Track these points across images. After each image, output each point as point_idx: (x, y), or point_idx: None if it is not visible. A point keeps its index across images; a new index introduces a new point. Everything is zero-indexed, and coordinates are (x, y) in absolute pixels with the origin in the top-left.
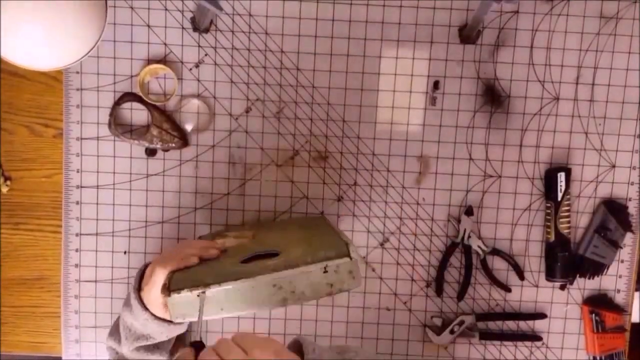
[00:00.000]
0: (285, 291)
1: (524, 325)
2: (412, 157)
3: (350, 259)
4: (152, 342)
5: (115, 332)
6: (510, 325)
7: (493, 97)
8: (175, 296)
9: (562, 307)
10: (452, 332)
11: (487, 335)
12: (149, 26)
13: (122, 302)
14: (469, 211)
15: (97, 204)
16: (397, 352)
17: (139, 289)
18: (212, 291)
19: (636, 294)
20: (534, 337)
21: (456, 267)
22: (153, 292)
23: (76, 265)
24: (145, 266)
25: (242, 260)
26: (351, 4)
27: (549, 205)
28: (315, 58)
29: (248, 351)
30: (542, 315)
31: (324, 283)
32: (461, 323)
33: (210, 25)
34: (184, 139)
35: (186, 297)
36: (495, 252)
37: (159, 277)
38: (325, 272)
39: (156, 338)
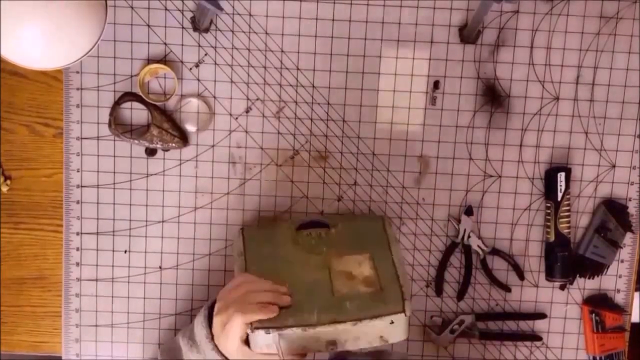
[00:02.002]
0: (340, 340)
1: (524, 325)
2: (412, 157)
3: (405, 315)
4: None
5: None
6: (510, 325)
7: (493, 97)
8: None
9: (562, 307)
10: (452, 331)
11: (487, 335)
12: (149, 26)
13: (183, 334)
14: (469, 211)
15: (98, 203)
16: (397, 352)
17: (212, 335)
18: (289, 332)
19: (636, 294)
20: (534, 337)
21: (456, 267)
22: (230, 343)
23: (77, 264)
24: (212, 305)
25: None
26: (351, 4)
27: (549, 205)
28: (315, 58)
29: None
30: (542, 315)
31: (377, 335)
32: (461, 323)
33: (210, 25)
34: (184, 139)
35: (266, 339)
36: (495, 252)
37: (238, 329)
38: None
39: None
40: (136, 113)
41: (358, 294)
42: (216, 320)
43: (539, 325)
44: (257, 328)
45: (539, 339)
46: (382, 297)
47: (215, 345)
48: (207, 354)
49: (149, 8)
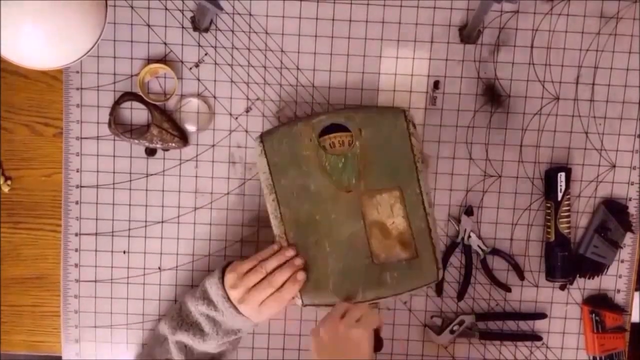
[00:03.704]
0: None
1: (524, 325)
2: None
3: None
4: (239, 337)
5: (172, 320)
6: (510, 325)
7: (493, 97)
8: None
9: (562, 307)
10: (452, 332)
11: (487, 335)
12: (149, 25)
13: (194, 295)
14: (469, 211)
15: (97, 203)
16: (397, 352)
17: (228, 297)
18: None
19: (636, 294)
20: (534, 337)
21: (456, 267)
22: (262, 317)
23: (76, 265)
24: (224, 269)
25: None
26: (351, 3)
27: (549, 205)
28: (316, 58)
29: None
30: (542, 315)
31: (409, 294)
32: (461, 323)
33: (210, 25)
34: (184, 139)
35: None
36: (495, 252)
37: (274, 310)
38: None
39: (244, 332)
40: (136, 113)
41: (397, 263)
42: (240, 297)
43: (539, 325)
44: (307, 305)
45: (539, 339)
46: (418, 265)
47: (234, 307)
48: (225, 313)
49: (149, 8)
